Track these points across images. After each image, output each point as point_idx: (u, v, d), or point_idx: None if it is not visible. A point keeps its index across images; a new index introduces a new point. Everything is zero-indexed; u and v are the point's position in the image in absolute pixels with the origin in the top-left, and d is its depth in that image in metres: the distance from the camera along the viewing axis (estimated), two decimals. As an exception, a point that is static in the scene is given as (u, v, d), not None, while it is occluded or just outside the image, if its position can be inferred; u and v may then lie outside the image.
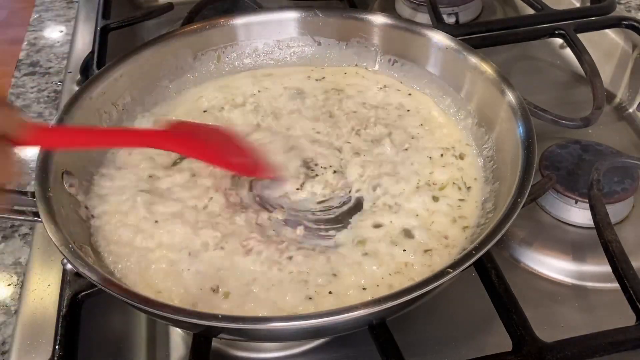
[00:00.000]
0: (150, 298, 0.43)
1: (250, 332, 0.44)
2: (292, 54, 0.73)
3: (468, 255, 0.43)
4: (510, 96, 0.57)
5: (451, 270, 0.42)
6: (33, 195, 0.49)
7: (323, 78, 0.71)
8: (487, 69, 0.61)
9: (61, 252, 0.45)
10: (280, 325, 0.41)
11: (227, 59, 0.71)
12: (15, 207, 0.50)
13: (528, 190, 0.48)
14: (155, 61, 0.66)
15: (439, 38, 0.65)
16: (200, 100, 0.68)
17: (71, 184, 0.54)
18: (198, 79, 0.70)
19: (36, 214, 0.48)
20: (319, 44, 0.72)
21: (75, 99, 0.58)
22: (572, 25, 0.76)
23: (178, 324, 0.48)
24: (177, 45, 0.68)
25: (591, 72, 0.70)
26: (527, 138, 0.53)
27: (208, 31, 0.70)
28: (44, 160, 0.52)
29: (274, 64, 0.72)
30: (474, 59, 0.62)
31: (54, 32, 0.92)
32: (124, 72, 0.63)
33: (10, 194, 0.51)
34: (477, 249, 0.44)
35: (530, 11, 0.84)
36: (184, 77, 0.69)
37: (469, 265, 0.43)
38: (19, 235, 0.61)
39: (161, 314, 0.42)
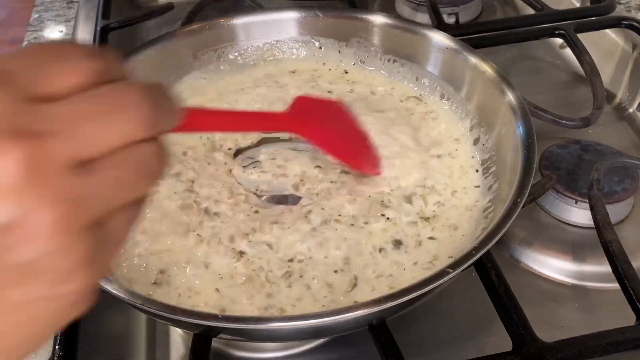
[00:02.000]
0: (150, 298, 0.43)
1: (249, 332, 0.44)
2: (292, 54, 0.72)
3: (468, 255, 0.43)
4: (510, 96, 0.57)
5: (451, 270, 0.42)
6: None
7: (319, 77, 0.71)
8: (487, 69, 0.61)
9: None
10: (280, 325, 0.41)
11: (227, 58, 0.71)
12: None
13: (528, 190, 0.48)
14: (155, 61, 0.66)
15: (439, 38, 0.66)
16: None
17: None
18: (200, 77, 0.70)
19: None
20: (319, 43, 0.72)
21: None
22: (572, 25, 0.76)
23: (177, 323, 0.48)
24: (177, 44, 0.68)
25: (591, 72, 0.70)
26: (527, 138, 0.53)
27: (208, 31, 0.70)
28: None
29: (275, 64, 0.72)
30: (474, 59, 0.62)
31: (54, 32, 0.92)
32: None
33: None
34: (477, 248, 0.44)
35: (530, 11, 0.84)
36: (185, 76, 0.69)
37: (469, 266, 0.43)
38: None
39: (160, 314, 0.42)
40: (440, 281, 0.42)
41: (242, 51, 0.71)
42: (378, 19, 0.69)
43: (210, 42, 0.70)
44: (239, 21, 0.70)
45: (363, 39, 0.70)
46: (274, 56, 0.72)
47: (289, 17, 0.71)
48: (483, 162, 0.59)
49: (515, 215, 0.46)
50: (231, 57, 0.71)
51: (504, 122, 0.57)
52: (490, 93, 0.60)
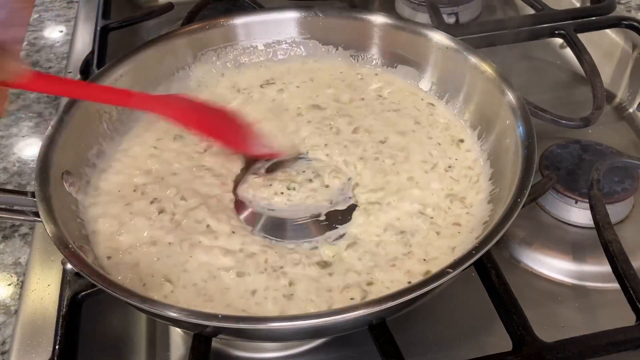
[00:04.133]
0: (150, 298, 0.43)
1: (249, 332, 0.44)
2: (292, 54, 0.72)
3: (468, 255, 0.43)
4: (510, 96, 0.57)
5: (451, 270, 0.42)
6: (33, 195, 0.49)
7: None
8: (487, 68, 0.61)
9: (61, 252, 0.45)
10: (280, 325, 0.41)
11: (226, 59, 0.71)
12: (16, 207, 0.50)
13: (528, 190, 0.48)
14: (155, 61, 0.66)
15: (438, 38, 0.65)
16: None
17: (71, 183, 0.54)
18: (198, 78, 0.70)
19: (36, 214, 0.48)
20: (319, 43, 0.72)
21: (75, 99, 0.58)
22: (572, 25, 0.76)
23: (177, 323, 0.48)
24: (177, 44, 0.68)
25: (591, 72, 0.70)
26: (527, 138, 0.53)
27: (208, 31, 0.69)
28: (44, 160, 0.52)
29: (275, 64, 0.72)
30: (474, 59, 0.62)
31: (54, 32, 0.92)
32: (124, 72, 0.63)
33: (10, 194, 0.51)
34: (477, 248, 0.44)
35: (530, 11, 0.84)
36: (185, 77, 0.69)
37: (469, 266, 0.43)
38: (19, 235, 0.61)
39: (160, 314, 0.42)
40: (440, 281, 0.42)
41: (242, 51, 0.71)
42: (378, 19, 0.69)
43: (210, 42, 0.70)
44: (239, 21, 0.70)
45: (363, 39, 0.70)
46: (274, 56, 0.72)
47: (289, 17, 0.71)
48: (483, 162, 0.59)
49: (515, 215, 0.46)
50: (230, 57, 0.71)
51: (504, 121, 0.57)
52: (490, 93, 0.59)
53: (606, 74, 0.78)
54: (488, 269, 0.49)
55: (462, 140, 0.62)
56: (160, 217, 0.55)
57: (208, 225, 0.54)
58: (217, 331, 0.44)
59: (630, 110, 0.76)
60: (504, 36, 0.77)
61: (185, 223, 0.54)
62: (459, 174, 0.59)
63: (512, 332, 0.46)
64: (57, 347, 0.45)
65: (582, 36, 0.75)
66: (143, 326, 0.55)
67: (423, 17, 0.87)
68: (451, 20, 0.88)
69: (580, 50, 0.73)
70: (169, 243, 0.53)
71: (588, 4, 0.84)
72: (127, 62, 0.64)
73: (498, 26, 0.78)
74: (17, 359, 0.49)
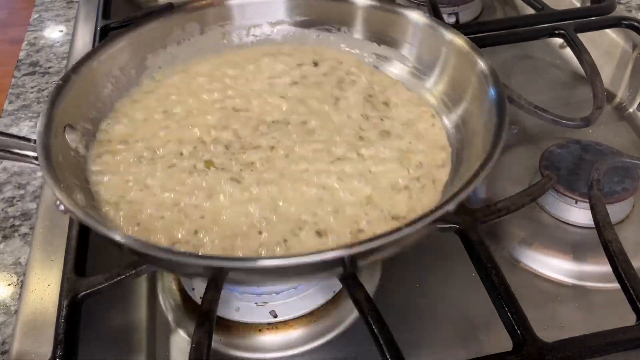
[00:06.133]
0: (150, 242, 0.45)
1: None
2: (278, 36, 0.71)
3: (441, 206, 0.44)
4: (482, 64, 0.56)
5: (418, 222, 0.42)
6: (35, 142, 0.50)
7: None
8: (460, 42, 0.60)
9: (53, 192, 0.46)
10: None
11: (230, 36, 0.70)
12: (16, 151, 0.51)
13: (501, 145, 0.48)
14: (161, 32, 0.67)
15: (416, 17, 0.65)
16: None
17: (73, 138, 0.55)
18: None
19: (36, 158, 0.49)
20: (303, 24, 0.71)
21: (86, 59, 0.60)
22: (572, 25, 0.76)
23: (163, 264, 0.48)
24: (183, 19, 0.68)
25: (591, 72, 0.70)
26: (498, 100, 0.52)
27: (204, 10, 0.69)
28: (49, 111, 0.53)
29: (263, 45, 0.71)
30: (449, 34, 0.61)
31: (54, 32, 0.92)
32: (129, 42, 0.64)
33: (11, 137, 0.52)
34: (451, 199, 0.44)
35: (530, 11, 0.84)
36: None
37: (440, 217, 0.43)
38: (19, 235, 0.61)
39: (152, 255, 0.43)
40: (411, 229, 0.42)
41: (249, 30, 0.71)
42: (360, 1, 0.68)
43: (207, 20, 0.69)
44: (232, 2, 0.70)
45: (346, 20, 0.69)
46: (263, 38, 0.71)
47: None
48: (455, 135, 0.59)
49: (490, 167, 0.46)
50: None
51: (476, 89, 0.57)
52: (463, 64, 0.59)
53: (606, 74, 0.78)
54: (488, 269, 0.49)
55: (433, 116, 0.62)
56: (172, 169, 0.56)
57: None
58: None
59: (630, 110, 0.76)
60: (504, 36, 0.77)
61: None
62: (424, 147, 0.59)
63: (512, 332, 0.46)
64: (57, 347, 0.45)
65: (582, 36, 0.75)
66: (143, 326, 0.55)
67: (423, 17, 0.87)
68: (451, 20, 0.88)
69: (580, 50, 0.73)
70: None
71: (588, 4, 0.84)
72: (133, 32, 0.64)
73: (498, 26, 0.78)
74: (17, 359, 0.49)
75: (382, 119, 0.61)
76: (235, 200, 0.53)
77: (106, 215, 0.52)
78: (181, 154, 0.57)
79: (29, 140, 0.51)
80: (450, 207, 0.44)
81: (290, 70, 0.68)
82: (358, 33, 0.69)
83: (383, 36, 0.68)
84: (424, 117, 0.62)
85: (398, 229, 0.42)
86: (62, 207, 0.48)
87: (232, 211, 0.52)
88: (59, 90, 0.55)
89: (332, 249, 0.42)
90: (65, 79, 0.56)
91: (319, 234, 0.50)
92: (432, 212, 0.43)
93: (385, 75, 0.67)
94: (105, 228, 0.44)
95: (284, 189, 0.53)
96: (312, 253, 0.41)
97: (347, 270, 0.45)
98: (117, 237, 0.43)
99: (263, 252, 0.49)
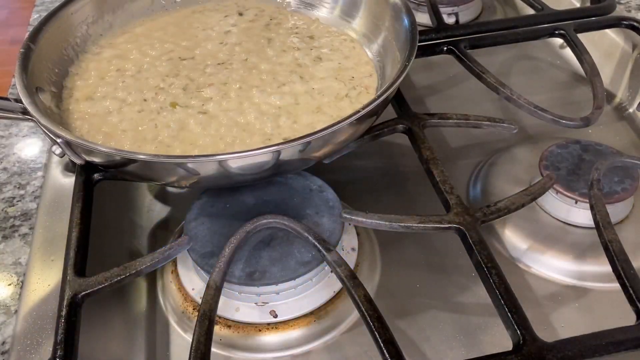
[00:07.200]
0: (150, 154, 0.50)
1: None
2: None
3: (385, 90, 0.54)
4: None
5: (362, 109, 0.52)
6: (16, 100, 0.56)
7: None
8: None
9: (49, 134, 0.51)
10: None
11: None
12: (3, 110, 0.57)
13: (417, 42, 0.60)
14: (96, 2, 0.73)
15: None
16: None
17: (45, 97, 0.60)
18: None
19: (25, 112, 0.55)
20: None
21: (38, 30, 0.65)
22: (572, 25, 0.76)
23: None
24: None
25: (591, 72, 0.70)
26: (411, 26, 0.63)
27: None
28: (21, 74, 0.58)
29: (200, 2, 0.79)
30: None
31: (54, 32, 0.92)
32: (69, 16, 0.69)
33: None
34: (392, 83, 0.54)
35: (530, 11, 0.84)
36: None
37: (385, 98, 0.54)
38: (19, 235, 0.61)
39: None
40: (361, 113, 0.51)
41: None
42: None
43: None
44: None
45: None
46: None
47: None
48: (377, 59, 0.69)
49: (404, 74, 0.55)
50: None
51: (392, 21, 0.67)
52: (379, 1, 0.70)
53: (606, 74, 0.78)
54: (488, 268, 0.49)
55: (352, 41, 0.72)
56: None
57: None
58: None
59: (630, 110, 0.76)
60: (504, 36, 0.77)
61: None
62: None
63: (512, 332, 0.46)
64: (57, 347, 0.45)
65: (582, 36, 0.75)
66: (143, 326, 0.55)
67: (423, 17, 0.87)
68: (451, 20, 0.88)
69: (580, 50, 0.73)
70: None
71: (588, 4, 0.84)
72: None
73: (498, 26, 0.78)
74: (17, 359, 0.49)
75: (311, 49, 0.71)
76: (207, 127, 0.60)
77: None
78: (145, 100, 0.63)
79: (9, 100, 0.57)
80: (379, 101, 0.53)
81: (220, 21, 0.76)
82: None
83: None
84: (345, 43, 0.72)
85: (344, 119, 0.51)
86: (58, 151, 0.53)
87: (207, 136, 0.59)
88: (24, 56, 0.61)
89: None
90: (26, 48, 0.62)
91: (285, 140, 0.56)
92: (365, 107, 0.52)
93: (305, 16, 0.77)
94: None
95: (247, 111, 0.61)
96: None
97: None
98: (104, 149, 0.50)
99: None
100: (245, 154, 0.49)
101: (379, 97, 0.53)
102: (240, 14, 0.77)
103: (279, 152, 0.49)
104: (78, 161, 0.54)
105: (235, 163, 0.50)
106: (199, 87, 0.65)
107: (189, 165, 0.49)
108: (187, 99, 0.63)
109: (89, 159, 0.54)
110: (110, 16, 0.74)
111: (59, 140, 0.52)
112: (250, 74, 0.67)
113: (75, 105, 0.63)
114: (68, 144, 0.52)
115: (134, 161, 0.50)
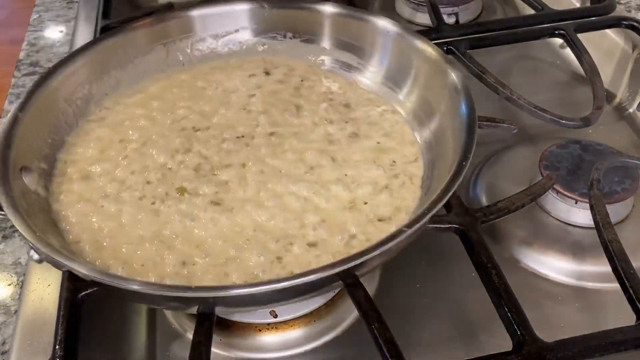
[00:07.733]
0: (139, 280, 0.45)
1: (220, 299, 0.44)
2: (242, 48, 0.70)
3: (422, 215, 0.44)
4: (453, 76, 0.56)
5: (407, 229, 0.43)
6: None
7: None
8: (431, 52, 0.60)
9: (27, 240, 0.44)
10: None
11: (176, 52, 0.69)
12: None
13: (472, 151, 0.48)
14: (102, 56, 0.65)
15: (385, 24, 0.64)
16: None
17: (30, 180, 0.53)
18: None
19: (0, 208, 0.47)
20: (266, 35, 0.69)
21: (30, 95, 0.57)
22: (572, 25, 0.76)
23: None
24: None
25: (591, 72, 0.70)
26: (469, 114, 0.52)
27: (160, 24, 0.69)
28: (3, 155, 0.50)
29: (223, 57, 0.69)
30: (419, 44, 0.61)
31: (54, 32, 0.92)
32: (70, 73, 0.61)
33: None
34: (429, 208, 0.45)
35: (530, 11, 0.84)
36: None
37: (424, 223, 0.44)
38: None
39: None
40: (398, 239, 0.43)
41: (192, 45, 0.69)
42: (326, 8, 0.67)
43: (162, 35, 0.69)
44: (192, 13, 0.69)
45: (313, 30, 0.68)
46: (223, 50, 0.70)
47: (238, 10, 0.69)
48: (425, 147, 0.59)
49: (462, 175, 0.47)
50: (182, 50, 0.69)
51: (448, 102, 0.56)
52: (434, 75, 0.59)
53: (606, 74, 0.78)
54: (488, 269, 0.49)
55: (394, 112, 0.61)
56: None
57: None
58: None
59: (630, 110, 0.76)
60: (504, 36, 0.77)
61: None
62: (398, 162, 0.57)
63: (512, 332, 0.46)
64: (57, 347, 0.45)
65: (582, 36, 0.75)
66: (143, 326, 0.55)
67: (423, 17, 0.87)
68: (451, 20, 0.88)
69: (580, 50, 0.73)
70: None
71: (588, 4, 0.84)
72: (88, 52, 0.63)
73: (498, 26, 0.78)
74: (17, 359, 0.49)
75: (346, 122, 0.61)
76: (218, 223, 0.51)
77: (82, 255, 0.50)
78: (148, 182, 0.55)
79: None
80: (440, 205, 0.45)
81: (244, 81, 0.66)
82: (325, 41, 0.68)
83: (350, 44, 0.67)
84: (385, 115, 0.62)
85: (393, 236, 0.43)
86: (35, 257, 0.46)
87: (217, 235, 0.50)
88: (9, 131, 0.52)
89: (332, 264, 0.42)
90: (13, 119, 0.53)
91: (311, 246, 0.49)
92: (424, 214, 0.44)
93: (340, 77, 0.67)
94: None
95: (266, 205, 0.52)
96: (314, 270, 0.41)
97: (347, 282, 0.45)
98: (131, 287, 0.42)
99: (260, 274, 0.48)
100: (246, 291, 0.42)
101: (426, 212, 0.44)
102: (267, 73, 0.67)
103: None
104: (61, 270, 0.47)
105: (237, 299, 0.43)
106: (214, 167, 0.56)
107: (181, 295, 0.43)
108: (198, 183, 0.54)
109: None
110: (118, 72, 0.65)
111: (34, 257, 0.46)
112: (273, 153, 0.57)
113: (67, 186, 0.55)
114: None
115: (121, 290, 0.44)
